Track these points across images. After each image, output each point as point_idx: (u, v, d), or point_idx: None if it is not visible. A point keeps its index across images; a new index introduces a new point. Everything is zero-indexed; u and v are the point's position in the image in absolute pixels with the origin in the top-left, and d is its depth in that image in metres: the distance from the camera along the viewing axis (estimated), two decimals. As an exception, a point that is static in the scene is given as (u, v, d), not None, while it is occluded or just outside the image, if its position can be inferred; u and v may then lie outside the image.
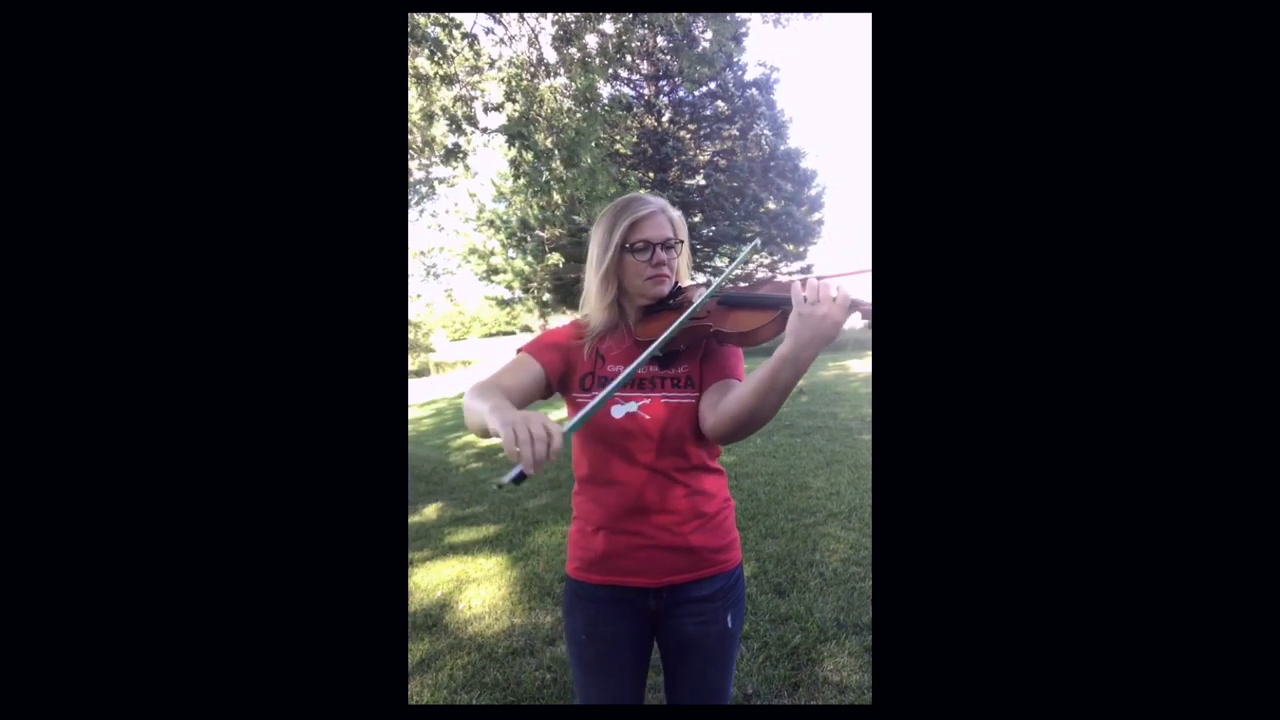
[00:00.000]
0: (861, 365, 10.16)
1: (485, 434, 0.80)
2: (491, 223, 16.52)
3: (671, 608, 1.01)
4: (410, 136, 6.41)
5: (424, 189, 8.62)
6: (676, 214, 1.02)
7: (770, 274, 17.41)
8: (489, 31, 5.95)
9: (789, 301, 0.86)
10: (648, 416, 0.97)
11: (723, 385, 0.97)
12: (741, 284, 1.03)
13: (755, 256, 17.00)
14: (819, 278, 0.83)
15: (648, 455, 0.97)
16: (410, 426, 8.21)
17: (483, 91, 6.35)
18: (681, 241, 1.02)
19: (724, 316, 0.95)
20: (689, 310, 0.91)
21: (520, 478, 0.69)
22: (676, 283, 1.02)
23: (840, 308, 0.80)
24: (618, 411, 0.98)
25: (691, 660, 1.03)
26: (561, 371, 1.01)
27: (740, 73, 16.56)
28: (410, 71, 5.31)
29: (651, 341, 0.90)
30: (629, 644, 1.03)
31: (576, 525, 1.06)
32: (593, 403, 0.77)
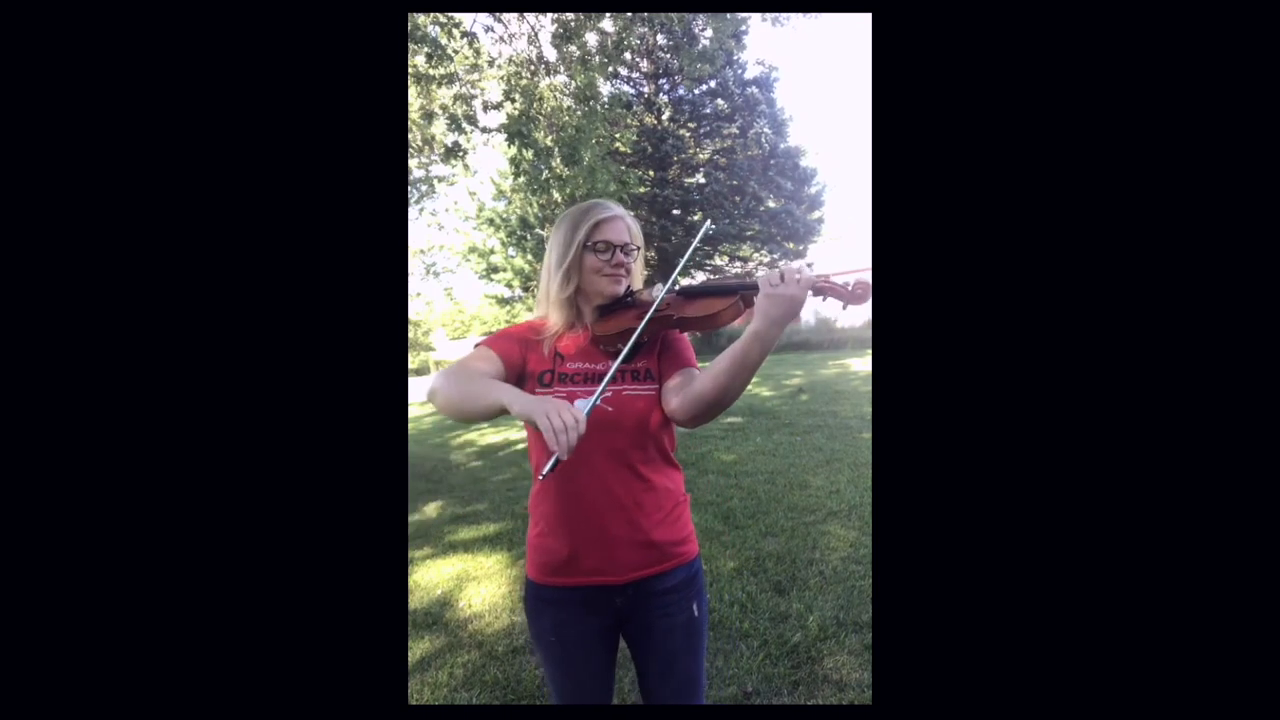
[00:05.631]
0: (861, 363, 10.16)
1: (481, 415, 0.89)
2: (491, 221, 16.51)
3: (638, 603, 1.03)
4: (410, 135, 6.40)
5: (423, 187, 8.61)
6: (634, 223, 1.11)
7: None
8: (489, 30, 5.94)
9: (744, 286, 0.97)
10: (610, 409, 1.00)
11: (685, 372, 1.03)
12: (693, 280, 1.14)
13: (755, 256, 17.01)
14: (783, 267, 0.93)
15: (611, 448, 1.00)
16: (410, 425, 8.22)
17: (482, 90, 6.33)
18: (638, 248, 1.09)
19: (684, 306, 1.02)
20: (662, 293, 1.01)
21: (556, 464, 0.79)
22: (629, 286, 1.09)
23: (803, 287, 0.89)
24: (581, 405, 0.99)
25: (664, 652, 1.05)
26: (519, 364, 1.05)
27: (740, 71, 16.53)
28: (410, 70, 5.30)
29: (613, 335, 1.01)
30: (599, 640, 1.06)
31: (537, 529, 1.06)
32: (608, 376, 0.91)
